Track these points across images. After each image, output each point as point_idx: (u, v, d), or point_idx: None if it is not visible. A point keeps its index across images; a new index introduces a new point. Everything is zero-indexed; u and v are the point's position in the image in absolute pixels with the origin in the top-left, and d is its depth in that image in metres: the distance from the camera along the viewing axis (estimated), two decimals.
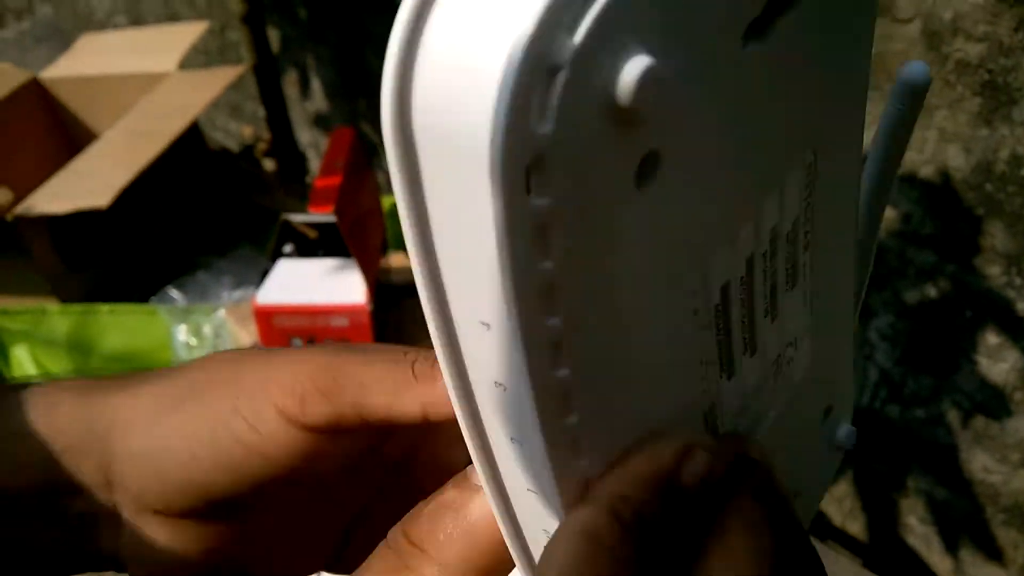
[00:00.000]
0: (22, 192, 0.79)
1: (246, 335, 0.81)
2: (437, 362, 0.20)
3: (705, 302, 0.20)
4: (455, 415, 0.20)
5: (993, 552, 0.85)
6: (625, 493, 0.19)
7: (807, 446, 0.27)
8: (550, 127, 0.14)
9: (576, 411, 0.18)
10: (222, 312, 0.83)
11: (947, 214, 0.77)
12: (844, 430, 0.28)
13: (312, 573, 0.31)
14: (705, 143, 0.18)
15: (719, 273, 0.20)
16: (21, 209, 0.77)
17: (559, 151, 0.14)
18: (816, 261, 0.23)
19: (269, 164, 1.41)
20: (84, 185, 0.76)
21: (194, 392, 0.26)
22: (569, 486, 0.18)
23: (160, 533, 0.27)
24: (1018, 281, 0.75)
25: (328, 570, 0.31)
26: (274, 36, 1.31)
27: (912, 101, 0.23)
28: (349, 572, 0.30)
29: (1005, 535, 0.83)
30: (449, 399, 0.20)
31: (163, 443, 0.26)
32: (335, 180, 0.72)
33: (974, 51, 0.71)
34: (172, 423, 0.26)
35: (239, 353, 0.27)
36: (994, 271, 0.76)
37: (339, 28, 1.24)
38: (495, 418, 0.19)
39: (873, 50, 0.73)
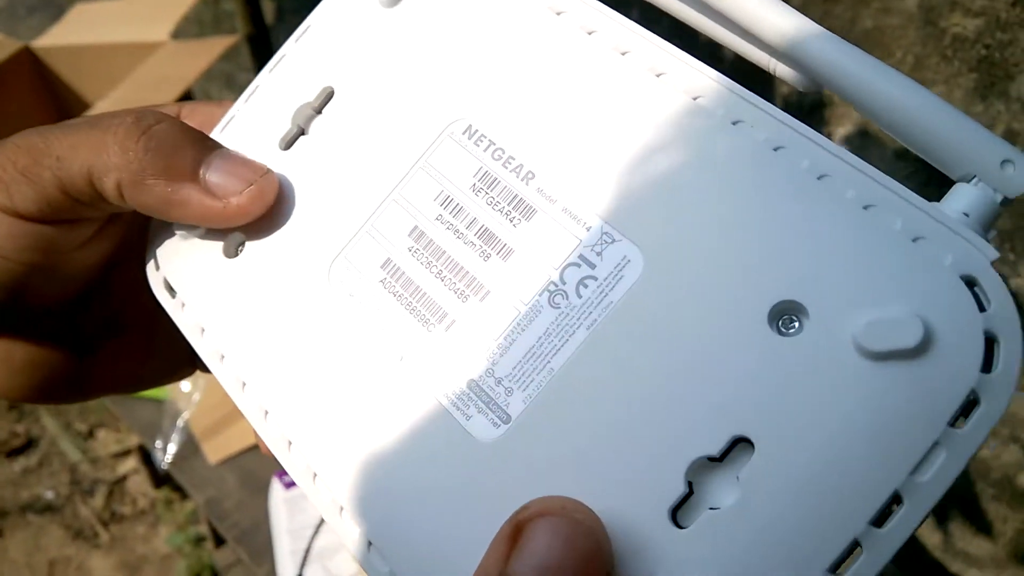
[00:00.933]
0: None
1: None
2: (144, 126, 0.23)
3: (357, 286, 0.23)
4: (146, 197, 0.23)
5: (982, 526, 0.85)
6: None
7: (728, 362, 0.19)
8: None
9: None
10: None
11: (942, 190, 0.76)
12: (861, 324, 0.18)
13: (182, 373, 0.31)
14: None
15: (363, 261, 0.23)
16: None
17: None
18: (572, 167, 0.22)
19: None
20: None
21: None
22: None
23: None
24: (1011, 257, 0.75)
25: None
26: (269, 6, 1.29)
27: None
28: None
29: (995, 509, 0.84)
30: (147, 174, 0.23)
31: None
32: None
33: (971, 26, 0.71)
34: None
35: None
36: None
37: None
38: None
39: (870, 24, 0.72)
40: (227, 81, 1.54)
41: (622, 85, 0.22)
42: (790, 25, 0.21)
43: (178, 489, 1.38)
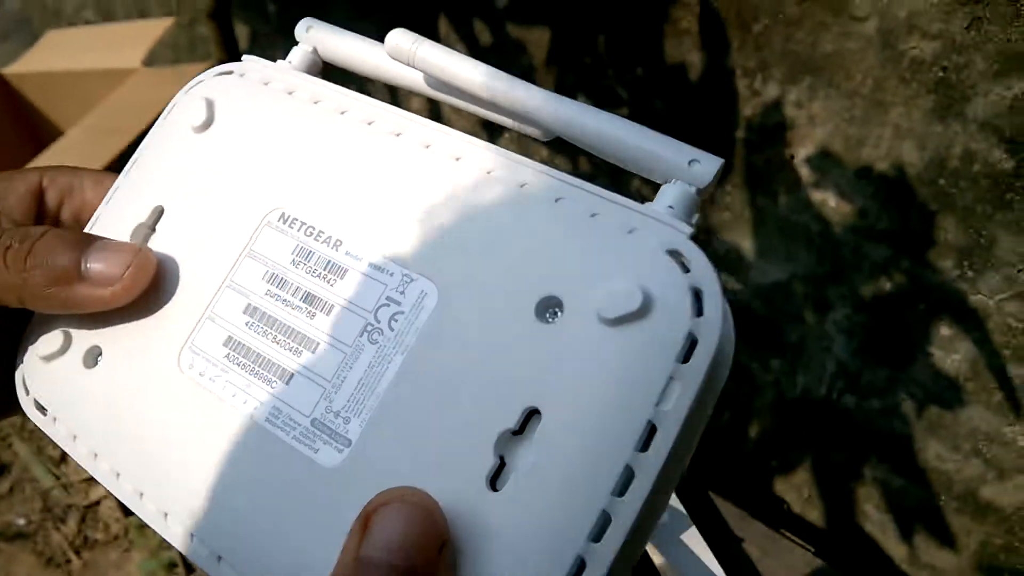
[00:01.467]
0: None
1: None
2: (30, 249, 0.26)
3: (206, 367, 0.27)
4: (47, 304, 0.27)
5: (946, 539, 0.86)
6: None
7: (512, 353, 0.23)
8: None
9: None
10: None
11: (901, 209, 0.78)
12: (599, 300, 0.22)
13: None
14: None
15: (207, 344, 0.27)
16: None
17: None
18: (369, 230, 0.26)
19: None
20: None
21: None
22: None
23: None
24: (970, 274, 0.76)
25: None
26: (243, 32, 1.30)
27: None
28: None
29: (958, 522, 0.85)
30: (41, 288, 0.26)
31: None
32: None
33: (928, 48, 0.72)
34: None
35: None
36: (947, 264, 0.77)
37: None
38: None
39: (830, 48, 0.74)
40: None
41: (399, 160, 0.26)
42: (521, 94, 0.26)
43: None
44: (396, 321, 0.25)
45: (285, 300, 0.26)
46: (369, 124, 0.28)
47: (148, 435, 0.27)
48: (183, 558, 1.14)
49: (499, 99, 0.26)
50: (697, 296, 0.22)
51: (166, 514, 0.26)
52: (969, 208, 0.74)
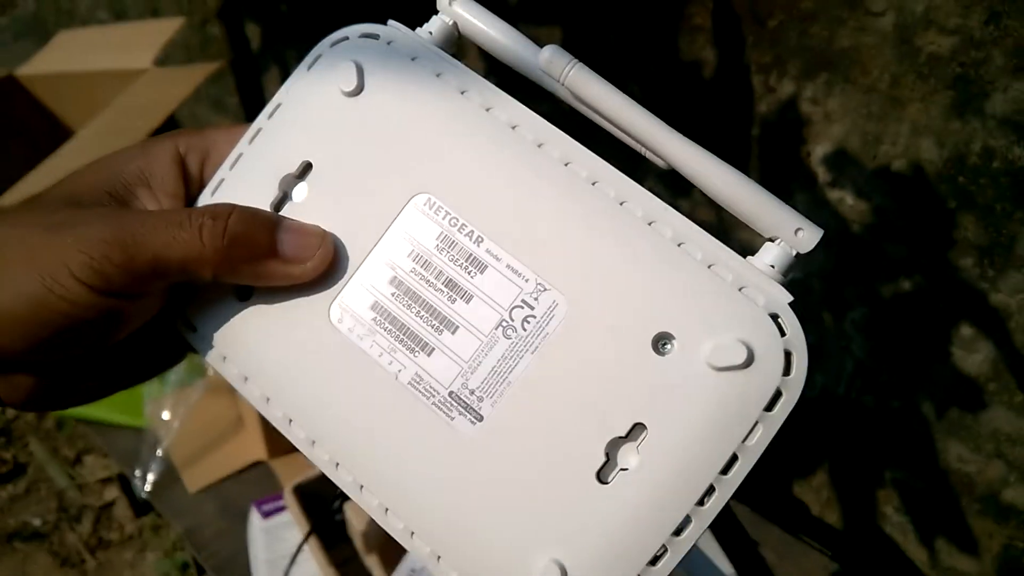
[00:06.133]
0: None
1: None
2: (222, 224, 0.28)
3: (355, 324, 0.30)
4: (240, 277, 0.29)
5: (968, 541, 0.85)
6: None
7: (627, 373, 0.27)
8: None
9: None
10: None
11: (920, 207, 0.77)
12: (709, 348, 0.26)
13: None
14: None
15: (356, 305, 0.30)
16: None
17: None
18: (511, 233, 0.29)
19: None
20: None
21: None
22: None
23: None
24: (991, 273, 0.75)
25: None
26: (254, 31, 1.30)
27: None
28: None
29: (980, 525, 0.84)
30: (236, 263, 0.28)
31: None
32: None
33: (946, 44, 0.71)
34: None
35: (21, 231, 0.28)
36: (967, 263, 0.76)
37: (320, 23, 1.24)
38: None
39: (846, 43, 0.73)
40: (215, 104, 1.55)
41: (539, 172, 0.29)
42: (661, 137, 0.29)
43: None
44: (528, 323, 0.28)
45: (429, 281, 0.29)
46: (513, 128, 0.30)
47: (296, 368, 0.30)
48: (195, 559, 1.14)
49: (640, 135, 0.30)
50: (788, 357, 0.27)
51: (313, 442, 0.30)
52: (989, 206, 0.73)
